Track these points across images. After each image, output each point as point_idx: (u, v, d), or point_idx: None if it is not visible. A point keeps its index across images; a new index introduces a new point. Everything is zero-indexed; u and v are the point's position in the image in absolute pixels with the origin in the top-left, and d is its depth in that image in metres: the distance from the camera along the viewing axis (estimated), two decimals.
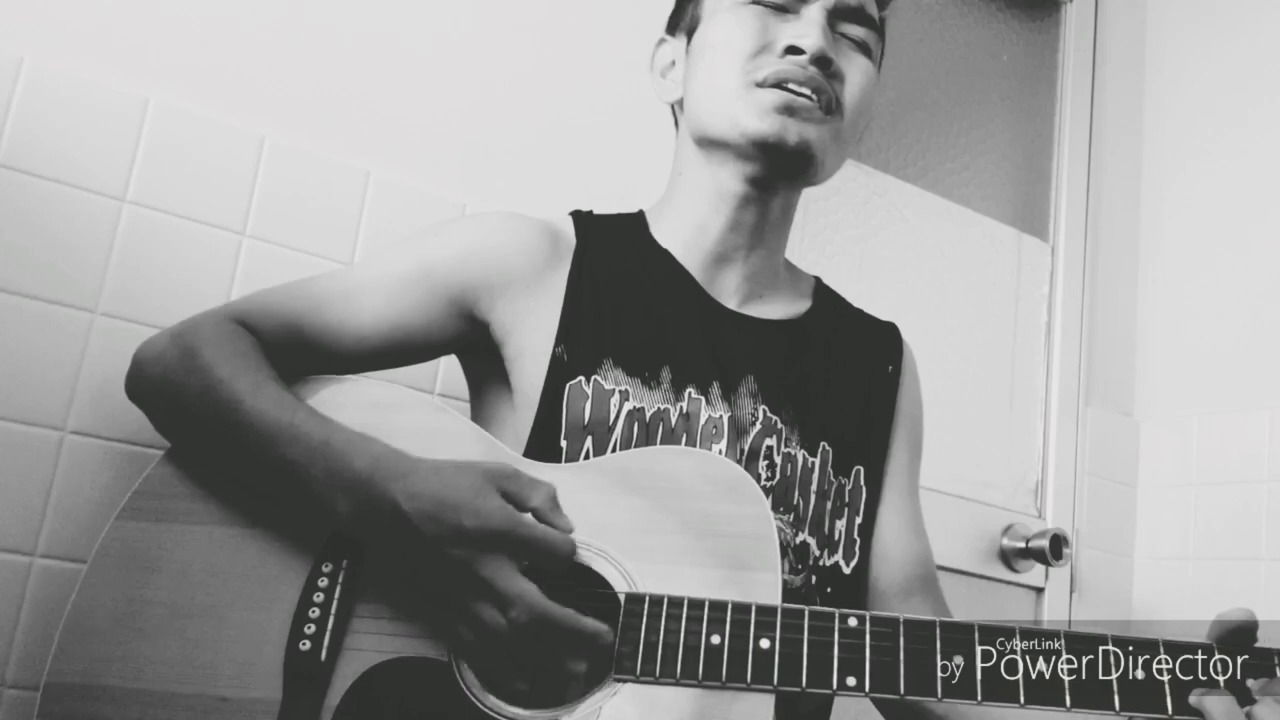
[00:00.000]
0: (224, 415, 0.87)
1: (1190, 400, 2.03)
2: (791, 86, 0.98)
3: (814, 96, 0.98)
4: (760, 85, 0.99)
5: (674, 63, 1.09)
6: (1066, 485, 1.99)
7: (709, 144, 1.03)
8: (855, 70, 1.03)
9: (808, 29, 0.99)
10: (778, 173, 1.01)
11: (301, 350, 0.97)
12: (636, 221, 1.09)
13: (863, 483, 1.05)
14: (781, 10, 1.02)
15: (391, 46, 1.38)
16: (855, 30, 1.04)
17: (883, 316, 1.18)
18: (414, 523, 0.80)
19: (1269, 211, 1.99)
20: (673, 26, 1.12)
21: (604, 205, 1.12)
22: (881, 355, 1.13)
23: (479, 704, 0.80)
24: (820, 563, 0.99)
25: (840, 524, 1.02)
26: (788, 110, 0.98)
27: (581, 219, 1.07)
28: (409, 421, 0.92)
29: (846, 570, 1.01)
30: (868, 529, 1.05)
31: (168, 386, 0.92)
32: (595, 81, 1.53)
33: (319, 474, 0.84)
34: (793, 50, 0.99)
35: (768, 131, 0.98)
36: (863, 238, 1.89)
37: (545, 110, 1.48)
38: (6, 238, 1.11)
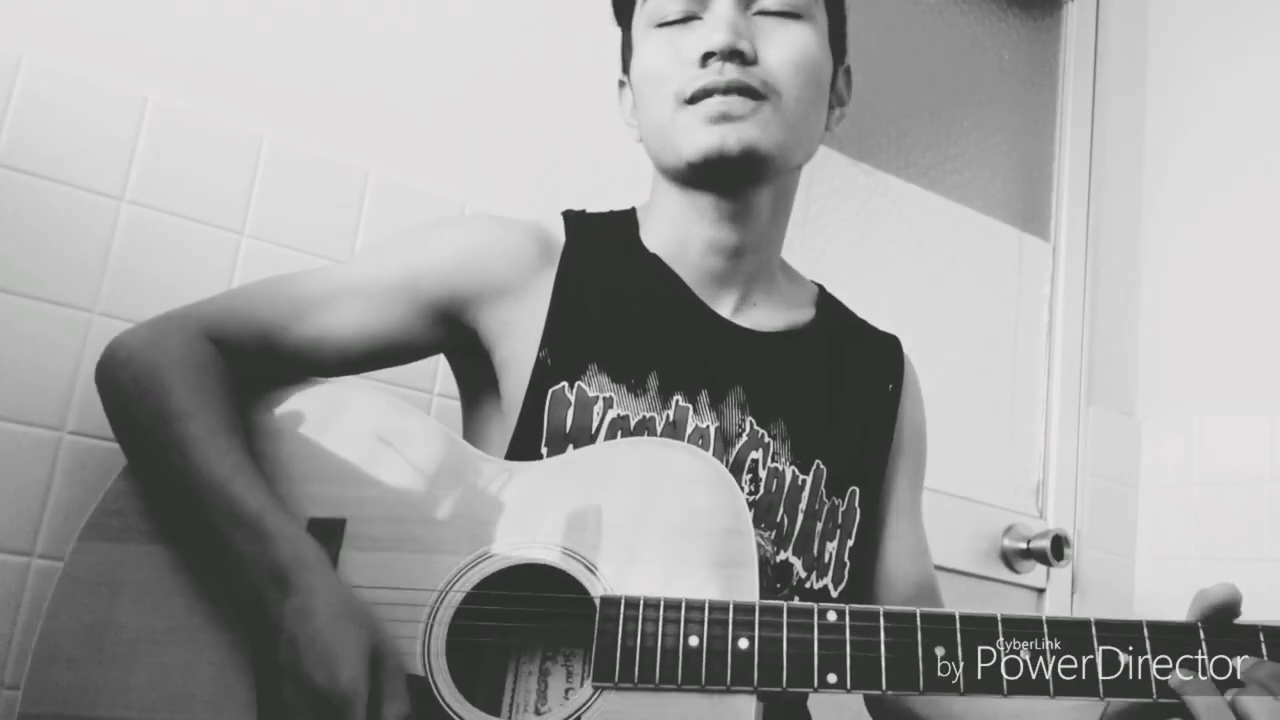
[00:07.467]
0: (169, 456, 0.86)
1: (1192, 400, 2.03)
2: (715, 96, 0.94)
3: (740, 93, 0.94)
4: (689, 103, 0.95)
5: (634, 104, 1.06)
6: (1068, 485, 1.98)
7: (669, 175, 1.01)
8: (776, 44, 0.97)
9: (713, 28, 0.95)
10: (735, 182, 0.98)
11: (278, 361, 0.95)
12: (627, 221, 1.06)
13: (857, 505, 1.02)
14: (689, 20, 0.98)
15: (391, 45, 1.38)
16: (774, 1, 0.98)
17: (883, 317, 1.16)
18: (280, 639, 0.77)
19: (1271, 212, 1.99)
20: (625, 67, 1.09)
21: (606, 204, 1.10)
22: (882, 372, 1.10)
23: (456, 716, 0.78)
24: (808, 585, 0.96)
25: (831, 546, 0.99)
26: (720, 118, 0.94)
27: (572, 219, 1.04)
28: (366, 422, 0.92)
29: (835, 594, 0.98)
30: (860, 552, 1.02)
31: (124, 398, 0.90)
32: (596, 80, 1.52)
33: (238, 546, 0.82)
34: (707, 56, 0.95)
35: (705, 147, 0.95)
36: (863, 238, 1.89)
37: (546, 109, 1.48)
38: (4, 237, 1.11)
